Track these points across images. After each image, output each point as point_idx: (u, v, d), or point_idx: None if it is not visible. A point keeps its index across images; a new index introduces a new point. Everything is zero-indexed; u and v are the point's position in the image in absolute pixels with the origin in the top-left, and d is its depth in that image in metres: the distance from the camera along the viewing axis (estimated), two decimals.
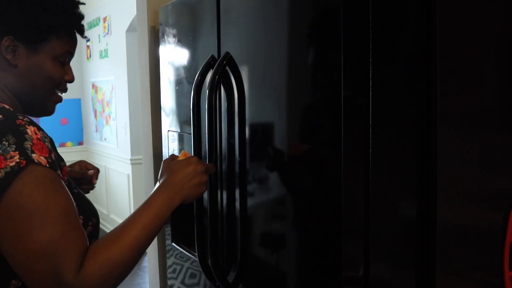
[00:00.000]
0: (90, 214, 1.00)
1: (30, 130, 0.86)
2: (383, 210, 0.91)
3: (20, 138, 0.84)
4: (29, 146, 0.84)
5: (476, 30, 0.97)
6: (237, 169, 1.22)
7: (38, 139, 0.86)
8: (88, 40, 1.15)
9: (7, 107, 0.93)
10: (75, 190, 1.00)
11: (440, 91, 0.89)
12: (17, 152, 0.82)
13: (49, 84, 1.00)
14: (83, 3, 1.08)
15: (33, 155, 0.83)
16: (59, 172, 0.88)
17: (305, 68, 1.00)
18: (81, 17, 1.05)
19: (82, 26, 1.06)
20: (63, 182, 0.89)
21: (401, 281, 0.94)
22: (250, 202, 1.20)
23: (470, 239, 0.99)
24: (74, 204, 0.89)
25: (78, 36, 1.07)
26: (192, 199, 1.00)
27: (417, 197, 0.93)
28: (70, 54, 1.03)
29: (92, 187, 1.30)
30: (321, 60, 0.95)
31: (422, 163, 0.91)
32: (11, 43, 0.95)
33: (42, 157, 0.84)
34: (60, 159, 0.97)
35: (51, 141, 0.95)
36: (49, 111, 1.05)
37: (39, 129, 0.89)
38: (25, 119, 0.88)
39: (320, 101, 0.96)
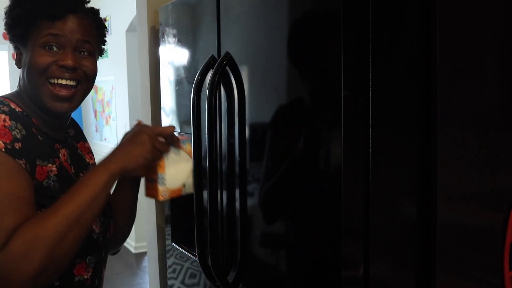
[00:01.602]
0: None
1: (0, 117, 0.88)
2: (383, 210, 0.91)
3: None
4: None
5: (476, 30, 0.97)
6: (237, 169, 1.22)
7: (4, 126, 0.87)
8: (60, 14, 1.01)
9: (10, 103, 0.95)
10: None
11: (440, 91, 0.89)
12: None
13: (35, 73, 0.95)
14: None
15: None
16: (21, 162, 0.87)
17: (305, 68, 1.00)
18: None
19: (48, 5, 0.95)
20: (20, 170, 0.86)
21: (401, 281, 0.94)
22: (250, 202, 1.20)
23: (470, 239, 0.99)
24: (25, 191, 0.86)
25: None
26: (133, 163, 0.92)
27: (417, 197, 0.93)
28: (54, 36, 0.94)
29: None
30: (321, 60, 0.95)
31: (422, 163, 0.91)
32: (18, 51, 1.00)
33: (0, 141, 0.85)
34: (46, 157, 0.94)
35: (32, 139, 0.92)
36: (49, 107, 0.96)
37: (13, 119, 0.89)
38: (3, 108, 0.90)
39: (320, 101, 0.96)
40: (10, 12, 0.98)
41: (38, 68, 0.94)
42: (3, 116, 0.89)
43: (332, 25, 0.90)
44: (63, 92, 0.96)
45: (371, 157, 0.88)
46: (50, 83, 0.95)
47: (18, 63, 1.01)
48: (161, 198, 1.02)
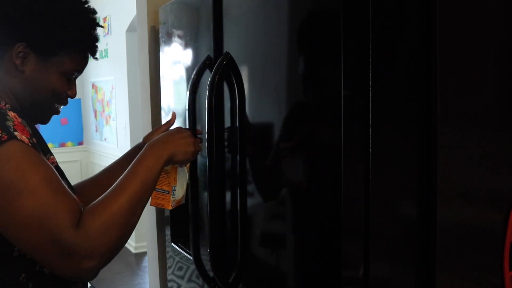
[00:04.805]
0: None
1: (11, 114, 0.90)
2: (383, 210, 0.91)
3: (1, 119, 0.87)
4: (11, 125, 0.86)
5: (476, 29, 0.97)
6: (237, 169, 1.22)
7: (19, 122, 0.90)
8: (96, 58, 1.22)
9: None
10: None
11: (440, 91, 0.89)
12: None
13: (50, 96, 1.02)
14: (102, 26, 1.10)
15: (16, 133, 0.86)
16: (41, 154, 0.90)
17: (305, 68, 1.00)
18: (96, 39, 1.07)
19: (96, 48, 1.08)
20: (44, 159, 0.89)
21: (401, 281, 0.94)
22: (250, 202, 1.20)
23: (470, 239, 0.99)
24: (57, 175, 0.89)
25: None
26: (181, 156, 1.03)
27: (417, 197, 0.93)
28: (79, 72, 1.05)
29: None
30: (321, 60, 0.95)
31: (422, 163, 0.91)
32: (23, 49, 0.96)
33: (24, 137, 0.87)
34: (47, 151, 1.00)
35: (36, 135, 0.97)
36: (44, 121, 1.06)
37: (20, 117, 0.92)
38: (7, 105, 0.92)
39: (320, 101, 0.96)
40: (53, 29, 0.96)
41: (55, 93, 1.01)
42: (12, 113, 0.91)
43: (332, 25, 0.90)
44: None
45: (371, 157, 0.88)
46: (55, 105, 1.05)
47: (22, 66, 0.97)
48: (170, 207, 1.10)
